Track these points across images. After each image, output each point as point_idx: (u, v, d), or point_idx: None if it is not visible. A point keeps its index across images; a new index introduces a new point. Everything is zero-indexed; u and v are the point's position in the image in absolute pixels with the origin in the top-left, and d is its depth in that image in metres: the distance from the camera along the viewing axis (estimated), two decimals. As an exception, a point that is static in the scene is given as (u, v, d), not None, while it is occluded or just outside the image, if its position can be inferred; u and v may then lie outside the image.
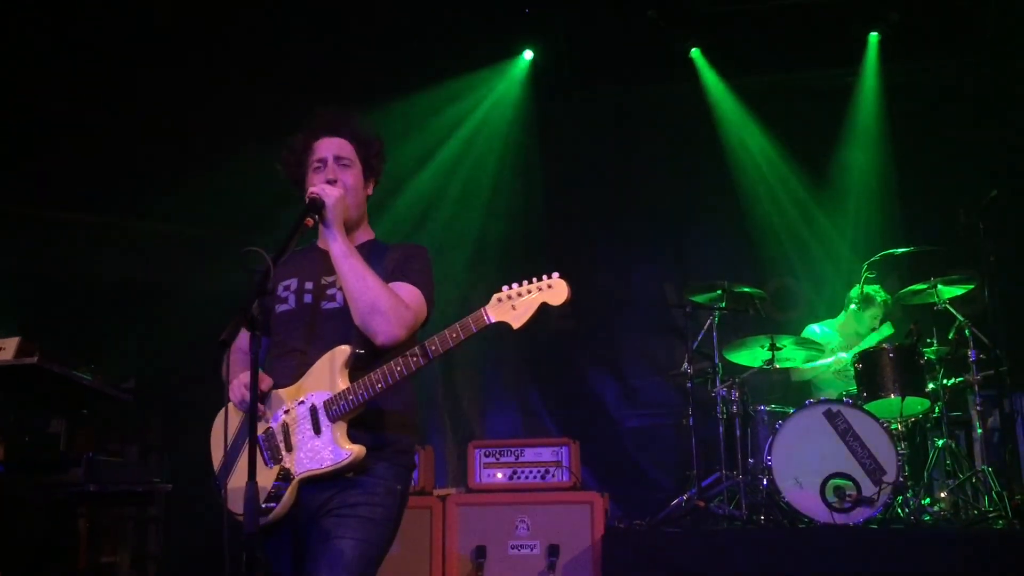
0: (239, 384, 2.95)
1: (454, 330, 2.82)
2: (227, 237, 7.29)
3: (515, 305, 2.78)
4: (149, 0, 6.89)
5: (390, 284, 2.98)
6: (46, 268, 7.26)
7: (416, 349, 2.84)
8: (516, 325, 2.78)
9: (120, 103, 7.18)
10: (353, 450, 2.85)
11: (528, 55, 8.25)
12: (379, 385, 2.84)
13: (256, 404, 2.64)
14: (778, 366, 6.32)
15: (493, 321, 2.79)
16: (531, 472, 6.03)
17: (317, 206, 2.93)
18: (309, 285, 3.08)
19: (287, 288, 3.10)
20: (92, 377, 4.30)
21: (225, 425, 2.90)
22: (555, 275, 2.80)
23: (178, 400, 6.85)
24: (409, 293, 2.99)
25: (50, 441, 4.76)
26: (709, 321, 6.48)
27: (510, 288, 2.81)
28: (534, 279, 2.81)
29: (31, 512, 4.26)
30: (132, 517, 6.49)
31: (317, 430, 2.88)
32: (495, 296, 2.81)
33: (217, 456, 3.04)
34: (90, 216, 7.55)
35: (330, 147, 3.14)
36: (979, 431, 6.00)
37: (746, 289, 6.53)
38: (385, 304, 2.88)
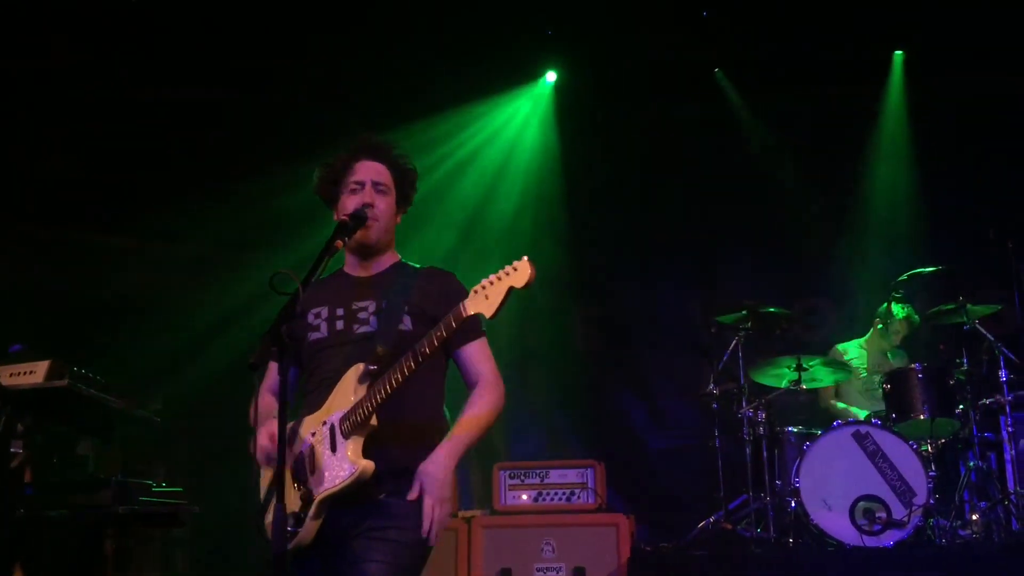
0: (265, 435, 2.95)
1: (438, 329, 2.84)
2: (244, 256, 7.35)
3: (488, 295, 2.79)
4: (159, 19, 6.96)
5: (464, 347, 3.06)
6: (73, 290, 7.33)
7: (409, 354, 2.84)
8: (488, 314, 2.78)
9: (147, 125, 7.26)
10: (359, 464, 2.83)
11: (551, 77, 8.28)
12: (379, 395, 2.84)
13: (285, 427, 2.65)
14: (805, 387, 6.27)
15: (470, 313, 2.81)
16: (557, 494, 6.00)
17: (361, 218, 3.01)
18: (340, 312, 3.09)
19: (318, 316, 3.12)
20: (121, 399, 4.33)
21: (255, 455, 2.91)
22: (524, 259, 2.80)
23: (205, 422, 6.88)
24: (483, 349, 3.11)
25: (79, 463, 4.80)
26: (735, 341, 6.44)
27: (487, 279, 2.82)
28: (506, 266, 2.81)
29: (59, 534, 4.28)
30: (158, 539, 6.51)
31: (334, 448, 2.89)
32: (472, 289, 2.83)
33: (264, 482, 3.05)
34: (115, 238, 7.63)
35: (369, 171, 3.16)
36: (1010, 452, 5.92)
37: (772, 309, 6.48)
38: (496, 409, 3.09)
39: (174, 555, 6.83)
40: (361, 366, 2.92)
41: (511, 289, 2.77)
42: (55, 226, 7.34)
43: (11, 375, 4.05)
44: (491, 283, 2.80)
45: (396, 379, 2.83)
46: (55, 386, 3.99)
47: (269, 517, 2.86)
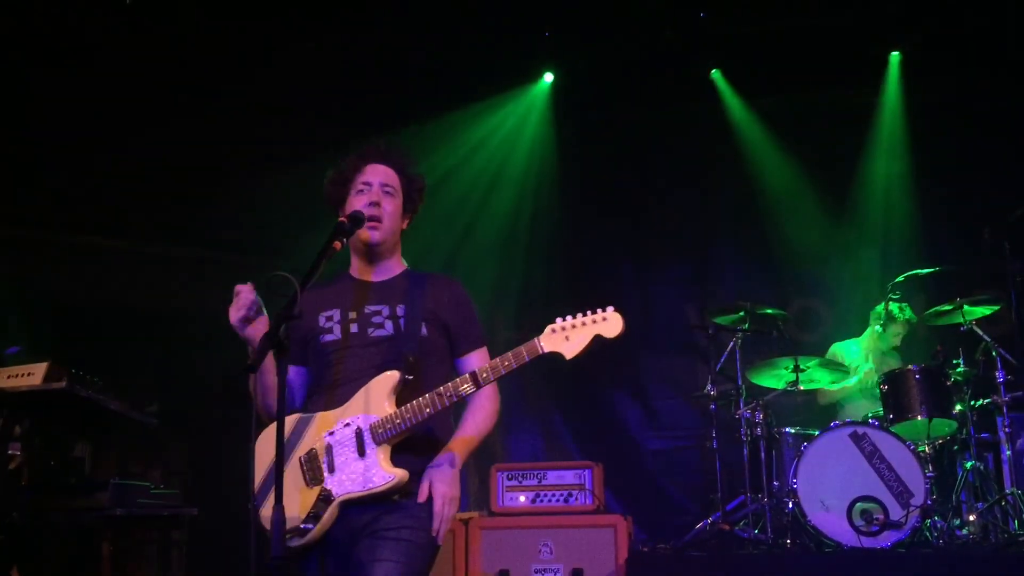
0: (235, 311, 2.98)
1: (507, 359, 2.88)
2: (249, 262, 7.34)
3: (569, 336, 2.85)
4: (174, 30, 6.97)
5: (467, 355, 3.12)
6: (70, 293, 7.33)
7: (467, 377, 2.90)
8: (569, 356, 2.85)
9: (145, 128, 7.26)
10: (396, 474, 2.87)
11: (548, 78, 8.29)
12: (427, 410, 2.88)
13: (283, 432, 2.64)
14: (802, 388, 6.28)
15: (546, 351, 2.86)
16: (554, 495, 6.00)
17: (358, 219, 3.02)
18: (353, 315, 3.11)
19: (329, 319, 3.13)
20: (118, 401, 4.33)
21: (253, 445, 2.92)
22: (610, 309, 2.86)
23: (202, 424, 6.87)
24: (484, 358, 3.14)
25: (75, 465, 4.80)
26: (732, 343, 6.44)
27: (564, 320, 2.87)
28: (588, 312, 2.86)
29: (57, 536, 4.28)
30: (155, 541, 6.50)
31: (361, 452, 2.91)
32: (549, 327, 2.88)
33: (259, 475, 3.03)
34: (112, 241, 7.63)
35: (377, 173, 3.21)
36: (1007, 453, 5.93)
37: (769, 310, 6.48)
38: (495, 418, 3.15)
39: (171, 557, 6.82)
40: (396, 374, 2.95)
41: (597, 337, 2.82)
42: (53, 228, 7.34)
43: (9, 377, 4.06)
44: (573, 326, 2.85)
45: (450, 399, 2.89)
46: (53, 388, 4.00)
47: (266, 506, 2.86)
